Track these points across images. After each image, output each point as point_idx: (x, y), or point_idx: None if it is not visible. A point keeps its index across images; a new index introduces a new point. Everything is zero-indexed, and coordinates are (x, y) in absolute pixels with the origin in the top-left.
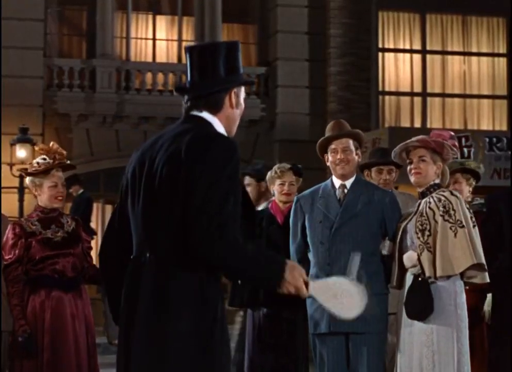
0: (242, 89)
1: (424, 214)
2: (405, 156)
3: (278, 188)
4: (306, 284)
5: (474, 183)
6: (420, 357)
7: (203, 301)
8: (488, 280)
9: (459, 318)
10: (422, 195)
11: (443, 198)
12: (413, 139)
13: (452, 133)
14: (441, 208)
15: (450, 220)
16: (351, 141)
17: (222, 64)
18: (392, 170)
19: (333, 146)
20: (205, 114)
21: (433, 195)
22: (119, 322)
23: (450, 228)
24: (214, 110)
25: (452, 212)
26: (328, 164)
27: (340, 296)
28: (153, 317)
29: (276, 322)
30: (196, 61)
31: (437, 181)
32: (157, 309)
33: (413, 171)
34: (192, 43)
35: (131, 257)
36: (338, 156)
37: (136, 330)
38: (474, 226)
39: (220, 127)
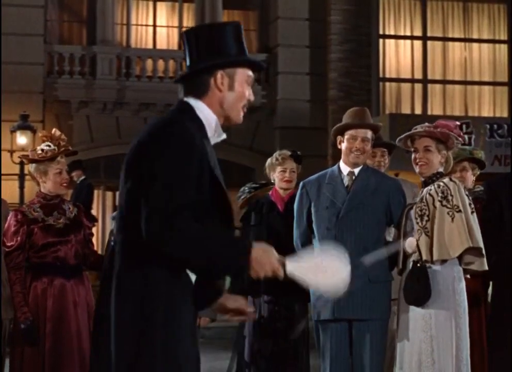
0: (239, 70)
1: (424, 200)
2: (410, 144)
3: (279, 175)
4: (283, 264)
5: (478, 172)
6: (419, 342)
7: (144, 296)
8: (487, 268)
9: (457, 304)
10: (425, 184)
11: (442, 184)
12: (419, 128)
13: (458, 122)
14: (440, 194)
15: (448, 205)
16: (370, 132)
17: (205, 47)
18: (385, 153)
19: (353, 133)
20: (190, 99)
21: (435, 182)
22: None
23: (448, 213)
24: (198, 94)
25: (450, 197)
26: (340, 147)
27: (322, 269)
28: (109, 306)
29: (276, 309)
30: (185, 46)
31: (440, 170)
32: (114, 298)
33: (418, 161)
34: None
35: None
36: (357, 145)
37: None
38: (472, 212)
39: (205, 112)
